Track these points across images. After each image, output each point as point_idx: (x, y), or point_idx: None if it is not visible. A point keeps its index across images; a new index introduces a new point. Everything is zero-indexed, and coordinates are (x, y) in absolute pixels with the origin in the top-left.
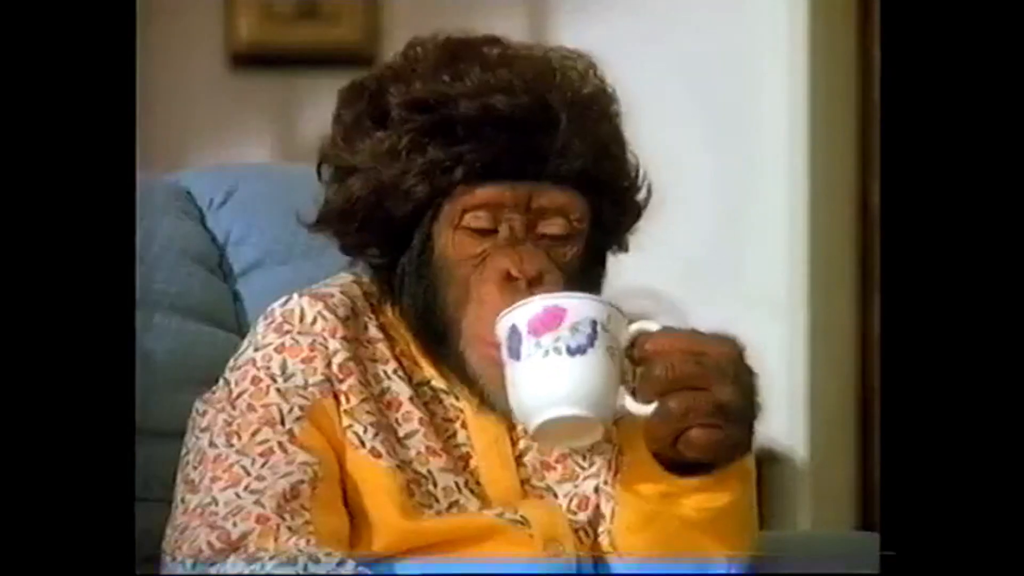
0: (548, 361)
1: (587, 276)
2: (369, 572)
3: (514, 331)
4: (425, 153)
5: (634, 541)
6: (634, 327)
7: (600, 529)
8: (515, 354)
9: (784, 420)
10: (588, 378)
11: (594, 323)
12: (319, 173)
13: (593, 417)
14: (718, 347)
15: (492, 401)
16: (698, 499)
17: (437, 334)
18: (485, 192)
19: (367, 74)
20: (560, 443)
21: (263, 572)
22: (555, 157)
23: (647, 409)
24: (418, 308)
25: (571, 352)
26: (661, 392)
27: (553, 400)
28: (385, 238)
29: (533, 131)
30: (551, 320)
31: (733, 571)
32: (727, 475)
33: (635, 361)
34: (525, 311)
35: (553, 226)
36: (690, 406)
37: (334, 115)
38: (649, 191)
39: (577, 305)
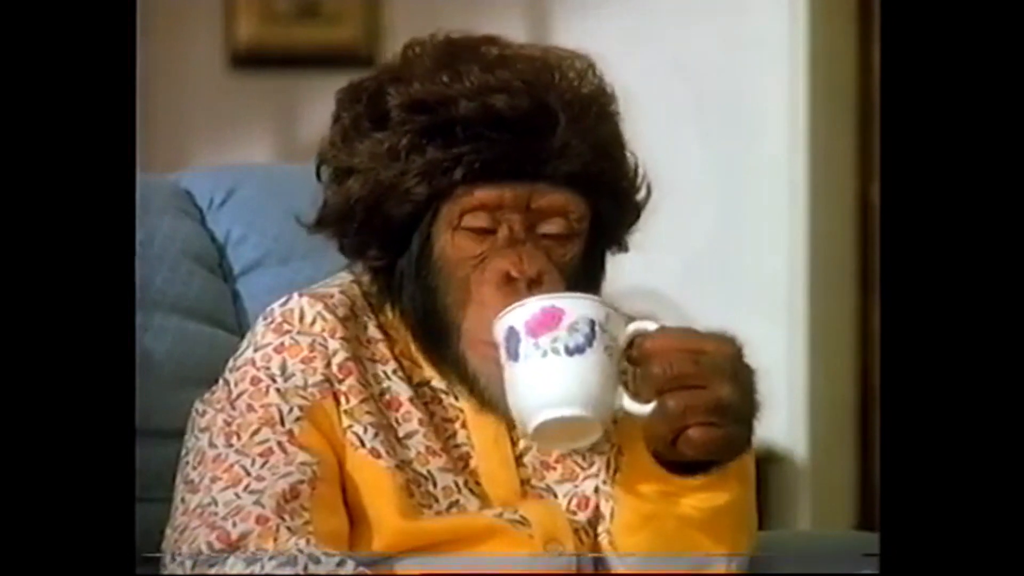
0: (547, 362)
1: (587, 277)
2: (369, 572)
3: (512, 332)
4: (424, 154)
5: (632, 541)
6: (632, 327)
7: (599, 529)
8: (513, 355)
9: (784, 420)
10: (587, 378)
11: (592, 323)
12: (318, 174)
13: (592, 417)
14: (716, 345)
15: (493, 402)
16: (697, 498)
17: (437, 336)
18: (484, 193)
19: (365, 76)
20: (559, 444)
21: (263, 572)
22: (554, 158)
23: (646, 408)
24: (418, 310)
25: (569, 352)
26: (659, 391)
27: (552, 401)
28: (384, 240)
29: (532, 132)
30: (549, 320)
31: (733, 566)
32: (727, 474)
33: (633, 361)
34: (522, 312)
35: (552, 227)
36: (689, 404)
37: (333, 116)
38: (649, 191)
39: (575, 305)
